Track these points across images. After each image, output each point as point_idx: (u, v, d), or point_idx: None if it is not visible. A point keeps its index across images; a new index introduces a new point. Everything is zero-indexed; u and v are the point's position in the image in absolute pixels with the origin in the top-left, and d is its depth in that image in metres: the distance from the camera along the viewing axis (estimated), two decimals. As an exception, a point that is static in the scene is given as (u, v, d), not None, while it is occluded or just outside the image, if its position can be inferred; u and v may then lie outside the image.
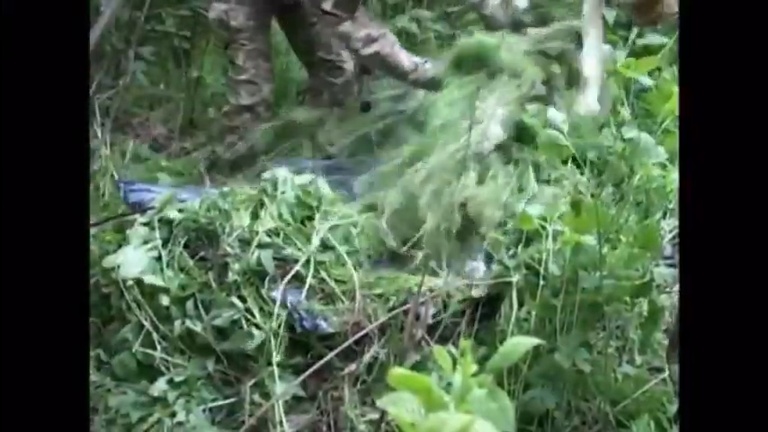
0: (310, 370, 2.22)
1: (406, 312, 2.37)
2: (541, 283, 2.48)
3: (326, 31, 3.51)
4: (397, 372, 0.79)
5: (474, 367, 0.80)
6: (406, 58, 3.28)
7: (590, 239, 2.33)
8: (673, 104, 2.48)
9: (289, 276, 2.50)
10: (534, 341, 0.87)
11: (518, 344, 0.86)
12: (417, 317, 2.27)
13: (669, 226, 2.90)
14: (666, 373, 2.21)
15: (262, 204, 2.66)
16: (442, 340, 2.53)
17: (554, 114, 2.85)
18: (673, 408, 2.06)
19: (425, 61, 3.32)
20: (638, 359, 2.55)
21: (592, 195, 2.34)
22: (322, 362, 2.22)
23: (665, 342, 2.41)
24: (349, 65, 3.58)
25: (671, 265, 2.70)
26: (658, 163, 2.65)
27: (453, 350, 0.84)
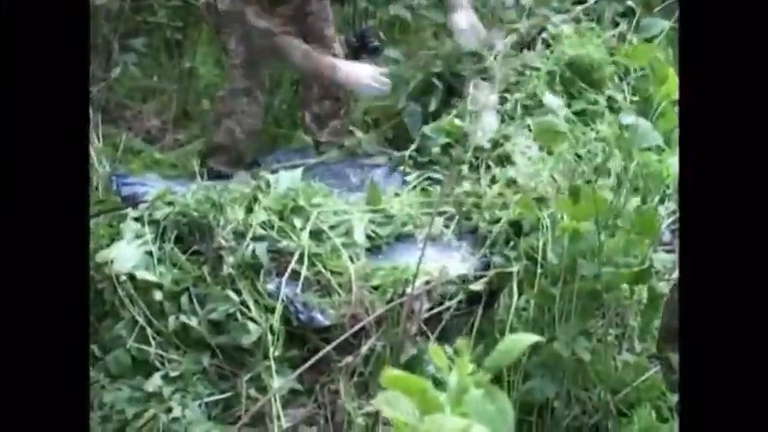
0: (307, 364, 2.20)
1: (402, 305, 2.35)
2: (539, 271, 2.45)
3: (318, 22, 3.46)
4: (390, 373, 0.76)
5: (471, 366, 0.77)
6: (296, 51, 3.22)
7: (588, 227, 2.30)
8: (668, 88, 2.45)
9: (288, 270, 2.47)
10: (533, 338, 0.84)
11: (516, 341, 0.82)
12: (412, 311, 2.24)
13: (667, 211, 2.88)
14: (660, 365, 2.18)
15: (255, 199, 2.63)
16: (444, 332, 2.51)
17: (551, 100, 2.83)
18: (674, 396, 2.04)
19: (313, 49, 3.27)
20: (638, 347, 2.53)
21: (588, 182, 2.31)
22: (318, 355, 2.20)
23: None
24: (340, 55, 3.53)
25: (670, 251, 2.67)
26: (654, 147, 2.62)
27: (449, 349, 0.81)
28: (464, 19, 3.29)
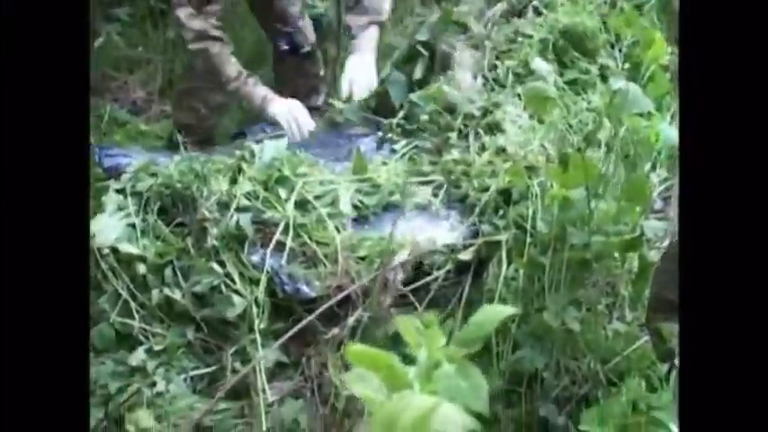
0: (289, 333, 2.16)
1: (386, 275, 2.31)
2: (529, 240, 2.42)
3: (283, 1, 3.36)
4: (355, 348, 0.72)
5: (443, 340, 0.73)
6: (232, 66, 3.06)
7: (578, 194, 2.26)
8: (655, 52, 2.41)
9: (273, 241, 2.43)
10: (508, 310, 0.80)
11: (490, 313, 0.78)
12: (386, 283, 2.20)
13: (658, 178, 2.84)
14: (650, 334, 2.15)
15: (240, 170, 2.58)
16: (432, 302, 2.48)
17: (540, 65, 2.78)
18: (663, 366, 2.02)
19: (249, 74, 3.11)
20: (629, 315, 2.50)
21: (578, 150, 2.27)
22: (301, 325, 2.16)
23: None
24: (311, 38, 3.41)
25: (661, 219, 2.64)
26: (644, 113, 2.58)
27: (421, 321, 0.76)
28: (357, 65, 3.13)
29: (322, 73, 3.49)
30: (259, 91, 3.07)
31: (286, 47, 3.39)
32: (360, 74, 3.11)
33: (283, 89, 3.41)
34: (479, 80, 3.05)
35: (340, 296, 2.27)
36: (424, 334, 0.74)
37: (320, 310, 2.22)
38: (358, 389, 0.71)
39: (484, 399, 0.71)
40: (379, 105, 3.19)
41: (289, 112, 3.06)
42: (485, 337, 0.73)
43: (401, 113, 2.99)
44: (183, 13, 3.00)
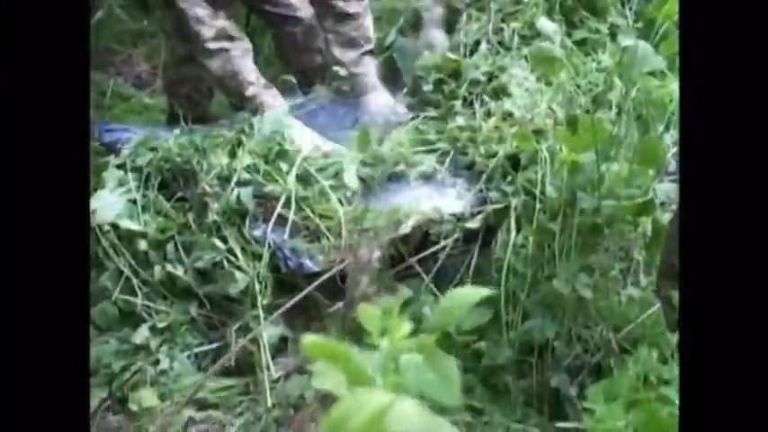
0: (288, 304, 2.12)
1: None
2: (538, 206, 2.35)
3: None
4: (309, 339, 0.65)
5: (407, 328, 0.66)
6: (251, 71, 2.84)
7: (588, 158, 2.19)
8: (669, 9, 2.32)
9: (275, 215, 2.38)
10: (481, 292, 0.73)
11: (462, 296, 0.72)
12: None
13: (672, 139, 2.76)
14: (658, 305, 2.08)
15: (239, 143, 2.52)
16: (440, 272, 2.43)
17: (545, 24, 2.69)
18: (673, 337, 1.95)
19: (267, 84, 2.89)
20: (644, 281, 2.43)
21: (587, 112, 2.19)
22: (300, 296, 2.12)
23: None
24: (305, 11, 3.20)
25: (675, 181, 2.56)
26: (657, 72, 2.49)
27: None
28: (378, 104, 2.93)
29: (324, 47, 3.39)
30: (280, 105, 2.85)
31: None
32: (386, 112, 2.91)
33: (288, 68, 3.31)
34: (484, 45, 2.96)
35: (338, 268, 2.21)
36: (386, 322, 0.67)
37: (319, 281, 2.18)
38: (319, 383, 0.65)
39: (455, 391, 0.64)
40: (386, 71, 3.12)
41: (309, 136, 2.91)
42: (456, 324, 0.67)
43: (404, 90, 2.91)
44: (201, 11, 2.82)
